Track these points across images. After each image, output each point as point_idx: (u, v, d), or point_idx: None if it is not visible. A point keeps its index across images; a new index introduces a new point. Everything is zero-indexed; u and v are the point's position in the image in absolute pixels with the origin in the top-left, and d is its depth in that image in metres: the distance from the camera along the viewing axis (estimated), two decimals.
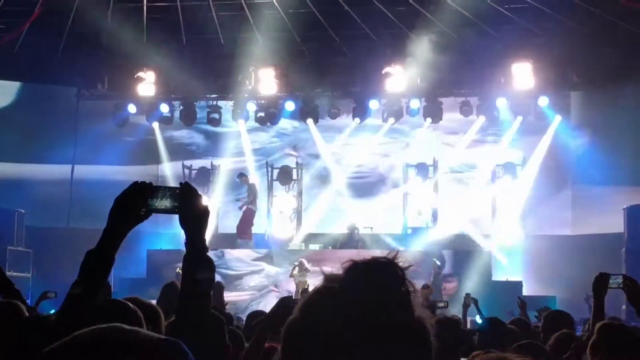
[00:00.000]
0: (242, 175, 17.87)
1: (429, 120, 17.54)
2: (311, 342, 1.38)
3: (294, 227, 18.05)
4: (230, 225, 17.63)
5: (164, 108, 17.87)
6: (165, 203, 2.37)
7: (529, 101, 17.15)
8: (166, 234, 16.19)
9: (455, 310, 10.71)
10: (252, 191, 17.47)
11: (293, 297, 4.14)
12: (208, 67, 17.02)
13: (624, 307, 11.46)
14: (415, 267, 1.55)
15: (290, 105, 17.63)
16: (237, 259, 16.56)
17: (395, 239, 17.59)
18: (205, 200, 2.49)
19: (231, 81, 17.33)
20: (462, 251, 16.50)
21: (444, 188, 18.24)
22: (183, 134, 19.27)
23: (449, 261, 16.03)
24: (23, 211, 16.39)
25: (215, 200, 18.00)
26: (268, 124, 18.16)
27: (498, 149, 18.24)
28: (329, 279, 1.45)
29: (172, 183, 17.17)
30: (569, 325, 5.63)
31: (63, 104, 17.94)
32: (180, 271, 2.49)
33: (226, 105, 18.10)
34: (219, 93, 17.97)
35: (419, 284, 10.38)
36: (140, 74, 17.05)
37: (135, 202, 2.35)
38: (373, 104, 17.41)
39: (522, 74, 16.33)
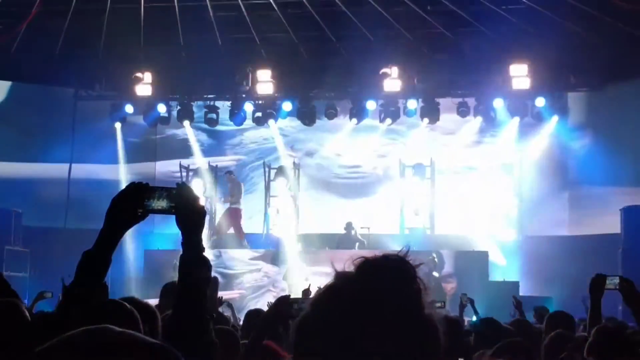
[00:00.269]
0: (229, 172, 17.86)
1: (426, 120, 17.54)
2: (323, 337, 1.39)
3: (291, 227, 18.03)
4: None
5: (162, 108, 17.86)
6: (162, 203, 2.38)
7: (526, 102, 17.16)
8: (163, 234, 16.20)
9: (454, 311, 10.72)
10: (237, 189, 17.49)
11: (295, 297, 4.14)
12: (205, 67, 17.02)
13: (620, 307, 11.48)
14: None
15: (287, 106, 17.63)
16: (234, 258, 16.57)
17: (392, 239, 17.57)
18: (201, 201, 2.50)
19: (228, 81, 17.33)
20: (459, 252, 16.50)
21: (441, 188, 18.24)
22: (180, 134, 19.24)
23: (447, 261, 16.04)
24: (20, 211, 16.38)
25: (214, 200, 18.02)
26: (265, 124, 18.15)
27: (495, 149, 18.25)
28: (340, 275, 1.46)
29: (169, 183, 17.17)
30: (571, 326, 5.64)
31: (60, 104, 17.92)
32: (177, 262, 2.49)
33: (223, 105, 18.10)
34: (216, 93, 17.96)
35: None
36: (138, 74, 17.05)
37: (132, 203, 2.35)
38: (370, 105, 17.41)
39: (519, 74, 16.36)
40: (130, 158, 18.69)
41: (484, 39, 15.66)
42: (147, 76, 17.11)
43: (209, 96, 18.03)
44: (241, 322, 7.09)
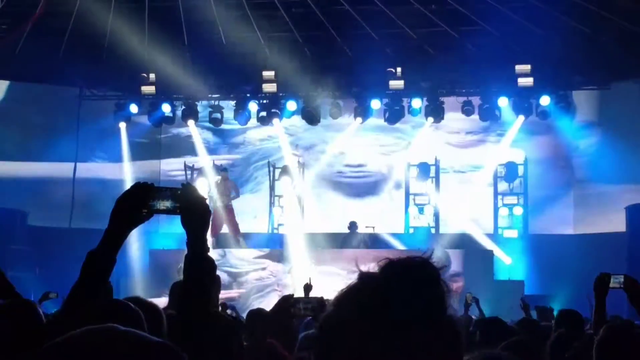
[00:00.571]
0: (224, 170, 17.68)
1: (430, 119, 17.52)
2: (346, 337, 1.39)
3: (296, 226, 18.03)
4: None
5: (166, 108, 17.88)
6: (167, 204, 2.38)
7: (531, 100, 17.14)
8: (168, 233, 16.22)
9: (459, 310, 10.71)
10: (229, 188, 17.38)
11: (299, 297, 4.15)
12: (209, 66, 17.03)
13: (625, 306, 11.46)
14: None
15: (291, 105, 17.63)
16: (239, 257, 16.57)
17: (397, 238, 17.58)
18: (206, 200, 2.50)
19: (233, 81, 17.33)
20: (464, 251, 16.49)
21: (446, 187, 18.24)
22: (184, 133, 19.25)
23: (452, 261, 16.00)
24: (25, 211, 16.41)
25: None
26: (270, 123, 18.15)
27: (500, 148, 18.23)
28: (365, 276, 1.46)
29: (174, 183, 17.18)
30: (580, 325, 5.62)
31: (65, 104, 17.94)
32: (182, 266, 2.50)
33: (228, 104, 18.11)
34: (220, 93, 17.97)
35: None
36: (142, 74, 17.06)
37: (137, 203, 2.36)
38: (375, 104, 17.41)
39: (524, 73, 16.34)
40: (135, 157, 18.71)
41: (488, 38, 15.63)
42: (152, 76, 17.12)
43: (214, 96, 18.03)
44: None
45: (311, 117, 17.74)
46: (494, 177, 18.17)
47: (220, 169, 17.79)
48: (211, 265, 2.41)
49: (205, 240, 2.42)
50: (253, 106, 17.82)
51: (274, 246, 17.21)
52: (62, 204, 17.23)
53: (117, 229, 2.34)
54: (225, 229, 17.23)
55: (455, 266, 15.93)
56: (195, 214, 2.40)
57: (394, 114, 17.54)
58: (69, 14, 15.64)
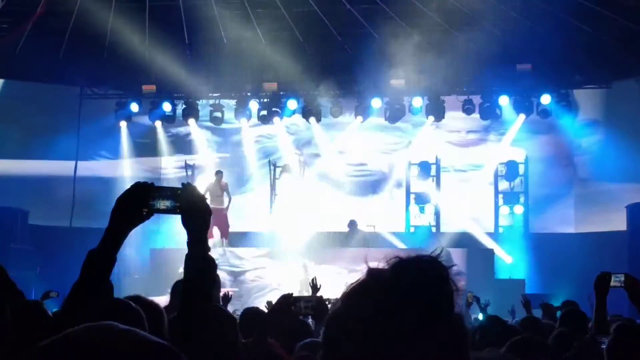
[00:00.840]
0: (219, 172, 17.52)
1: (431, 118, 17.53)
2: (354, 334, 1.40)
3: (296, 226, 18.02)
4: (233, 223, 17.56)
5: (167, 107, 17.88)
6: (167, 203, 2.38)
7: (532, 99, 17.13)
8: (169, 232, 16.21)
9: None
10: (227, 191, 17.23)
11: (298, 295, 4.14)
12: (210, 65, 17.03)
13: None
14: None
15: (292, 104, 17.63)
16: (239, 257, 16.56)
17: (398, 237, 17.58)
18: (207, 200, 2.50)
19: (233, 80, 17.32)
20: (465, 250, 16.48)
21: (447, 186, 18.24)
22: (185, 132, 19.25)
23: (454, 260, 15.98)
24: (26, 210, 16.42)
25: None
26: (271, 122, 18.15)
27: (501, 147, 18.23)
28: (373, 273, 1.46)
29: (174, 182, 17.17)
30: (584, 324, 5.61)
31: (66, 102, 17.95)
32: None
33: (229, 103, 18.11)
34: (221, 92, 17.97)
35: None
36: (143, 73, 17.06)
37: (137, 203, 2.36)
38: (375, 103, 17.41)
39: (524, 72, 16.34)
40: (136, 156, 18.71)
41: (489, 37, 15.61)
42: (152, 75, 17.12)
43: (214, 94, 18.03)
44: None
45: (312, 115, 17.75)
46: (495, 176, 18.17)
47: (215, 172, 17.56)
48: (211, 264, 2.42)
49: (205, 240, 2.42)
50: (254, 105, 17.83)
51: (274, 245, 17.19)
52: (63, 203, 17.23)
53: (118, 228, 2.34)
54: (216, 230, 16.93)
55: (456, 265, 15.88)
56: (195, 214, 2.40)
57: (394, 113, 17.54)
58: (70, 13, 15.63)
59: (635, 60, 15.87)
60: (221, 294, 7.23)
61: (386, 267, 1.46)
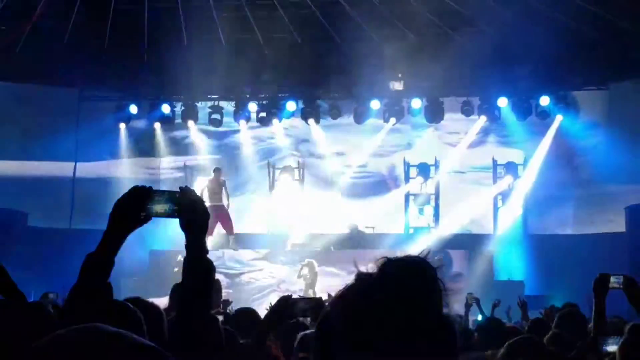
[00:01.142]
0: (218, 169, 17.51)
1: (430, 120, 17.53)
2: (344, 335, 1.41)
3: (295, 227, 18.03)
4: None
5: (166, 108, 17.89)
6: (165, 207, 2.39)
7: (530, 100, 17.14)
8: (168, 234, 16.20)
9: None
10: (225, 189, 17.17)
11: (294, 296, 4.14)
12: (209, 67, 17.02)
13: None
14: None
15: (291, 106, 17.64)
16: (237, 259, 16.57)
17: (397, 239, 17.58)
18: (205, 200, 2.50)
19: (232, 82, 17.33)
20: (464, 251, 16.49)
21: (446, 188, 18.24)
22: (184, 134, 19.24)
23: (454, 261, 15.99)
24: (26, 212, 16.41)
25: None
26: (269, 124, 18.15)
27: (499, 148, 18.23)
28: (362, 275, 1.48)
29: (173, 183, 17.17)
30: (582, 325, 5.60)
31: (65, 104, 17.93)
32: (181, 258, 2.50)
33: (228, 105, 18.11)
34: (220, 93, 17.97)
35: None
36: (141, 74, 17.06)
37: (135, 207, 2.36)
38: (374, 104, 17.42)
39: (523, 73, 16.35)
40: (135, 158, 18.71)
41: (487, 38, 15.62)
42: (151, 76, 17.12)
43: (213, 96, 18.03)
44: None
45: (311, 117, 17.75)
46: (494, 178, 18.16)
47: (214, 169, 17.54)
48: (210, 267, 2.42)
49: (204, 243, 2.42)
50: (253, 107, 17.83)
51: (273, 247, 17.20)
52: (62, 204, 17.23)
53: (116, 232, 2.34)
54: (219, 227, 16.94)
55: (455, 266, 15.93)
56: (193, 217, 2.41)
57: (393, 115, 17.55)
58: (69, 14, 15.63)
59: (633, 62, 15.87)
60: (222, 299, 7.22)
61: (375, 269, 1.47)
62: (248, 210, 18.37)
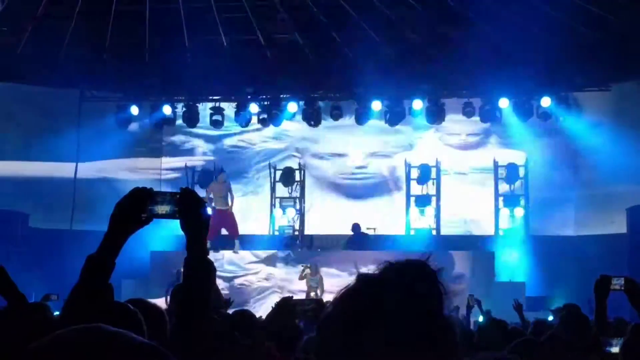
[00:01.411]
0: (222, 171, 17.57)
1: (431, 121, 17.52)
2: (345, 337, 1.41)
3: (297, 229, 18.03)
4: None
5: (167, 109, 17.90)
6: (166, 208, 2.39)
7: (532, 102, 17.13)
8: (169, 235, 16.21)
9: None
10: (230, 191, 17.24)
11: (298, 299, 4.14)
12: (210, 68, 17.03)
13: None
14: None
15: (292, 107, 17.64)
16: (238, 261, 16.57)
17: (398, 240, 17.57)
18: (205, 204, 2.50)
19: (233, 83, 17.33)
20: (465, 252, 16.48)
21: (447, 189, 18.23)
22: (185, 135, 19.24)
23: (456, 262, 15.96)
24: (27, 213, 16.42)
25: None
26: (270, 125, 18.15)
27: (501, 149, 18.22)
28: (363, 277, 1.49)
29: (174, 185, 17.19)
30: (586, 327, 5.58)
31: (66, 105, 17.95)
32: (181, 269, 2.51)
33: (229, 106, 18.11)
34: (221, 95, 17.97)
35: None
36: (143, 75, 17.07)
37: (136, 208, 2.36)
38: (375, 105, 17.41)
39: (525, 74, 16.33)
40: (136, 159, 18.72)
41: (489, 39, 15.63)
42: (153, 77, 17.13)
43: (214, 97, 18.04)
44: None
45: (312, 118, 17.75)
46: (495, 179, 18.15)
47: (218, 171, 17.65)
48: (211, 268, 2.42)
49: (204, 244, 2.42)
50: (254, 108, 17.83)
51: (274, 248, 17.20)
52: (63, 205, 17.23)
53: (116, 233, 2.34)
54: (223, 231, 17.02)
55: (457, 268, 15.92)
56: (194, 218, 2.41)
57: (394, 116, 17.54)
58: (70, 15, 15.64)
59: (634, 62, 15.86)
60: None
61: (376, 271, 1.48)
62: (249, 212, 18.37)
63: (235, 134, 19.13)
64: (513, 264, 17.20)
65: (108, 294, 2.42)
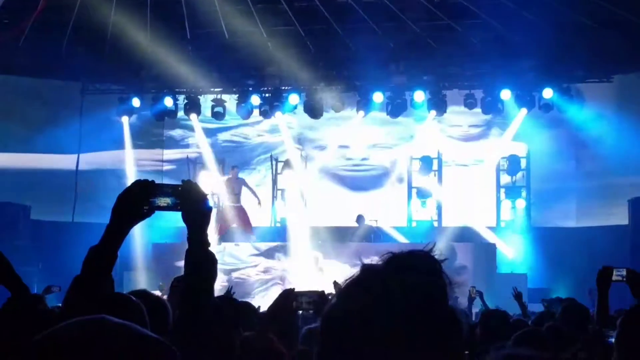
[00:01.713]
0: (236, 167, 17.68)
1: (433, 112, 17.51)
2: (350, 329, 1.41)
3: (299, 220, 18.03)
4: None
5: (168, 102, 17.89)
6: (168, 200, 2.39)
7: (533, 93, 17.10)
8: (171, 227, 16.23)
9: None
10: (245, 185, 17.41)
11: (301, 290, 4.15)
12: (212, 60, 17.01)
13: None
14: None
15: (294, 99, 17.62)
16: (240, 253, 16.58)
17: (400, 232, 17.58)
18: (208, 196, 2.50)
19: (235, 74, 17.31)
20: (467, 244, 16.49)
21: (449, 181, 18.23)
22: (187, 127, 19.23)
23: (458, 254, 15.96)
24: (28, 205, 16.43)
25: (221, 196, 17.98)
26: (272, 117, 18.14)
27: (502, 141, 18.21)
28: (368, 268, 1.48)
29: (176, 177, 17.19)
30: (585, 319, 5.59)
31: (67, 98, 17.95)
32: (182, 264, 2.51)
33: (230, 98, 18.10)
34: (223, 86, 17.96)
35: None
36: (144, 68, 17.06)
37: (138, 200, 2.36)
38: (377, 97, 17.39)
39: (526, 65, 16.31)
40: (137, 151, 18.73)
41: (490, 31, 15.60)
42: (154, 70, 17.11)
43: (216, 89, 18.03)
44: None
45: (313, 110, 17.73)
46: (497, 170, 18.15)
47: (231, 167, 17.78)
48: (212, 260, 2.42)
49: (206, 236, 2.42)
50: (255, 100, 17.82)
51: (276, 240, 17.22)
52: (65, 197, 17.24)
53: (118, 225, 2.35)
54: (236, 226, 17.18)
55: (458, 260, 15.93)
56: (196, 210, 2.41)
57: (396, 107, 17.52)
58: (72, 7, 15.62)
59: (637, 53, 15.82)
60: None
61: (380, 262, 1.47)
62: (251, 204, 18.36)
63: (236, 126, 19.13)
64: (515, 255, 17.22)
65: (109, 286, 2.42)
